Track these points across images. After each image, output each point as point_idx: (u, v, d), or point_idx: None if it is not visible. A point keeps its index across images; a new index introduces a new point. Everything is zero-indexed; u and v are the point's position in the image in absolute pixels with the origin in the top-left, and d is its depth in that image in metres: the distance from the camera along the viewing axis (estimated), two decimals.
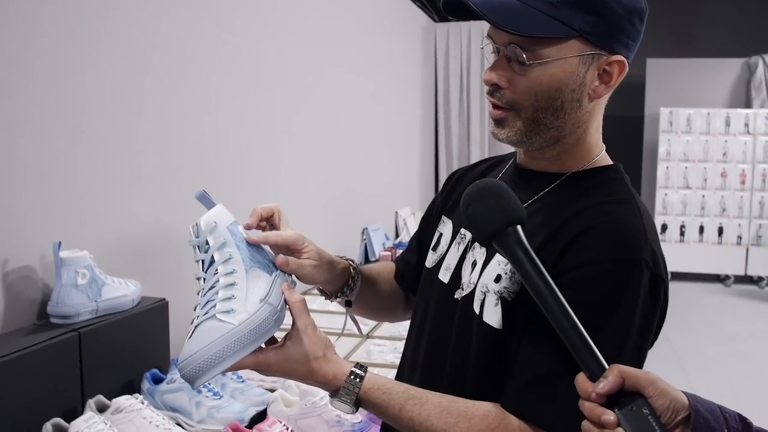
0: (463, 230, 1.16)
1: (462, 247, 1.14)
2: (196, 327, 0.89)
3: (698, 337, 5.54)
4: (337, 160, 3.60)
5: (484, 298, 1.03)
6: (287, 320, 0.97)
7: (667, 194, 7.38)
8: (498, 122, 1.05)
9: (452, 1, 0.99)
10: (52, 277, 1.59)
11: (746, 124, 7.28)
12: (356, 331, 1.33)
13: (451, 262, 1.15)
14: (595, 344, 0.83)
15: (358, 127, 3.99)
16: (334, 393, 0.97)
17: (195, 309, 0.93)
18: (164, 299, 1.77)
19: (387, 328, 2.56)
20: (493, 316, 1.01)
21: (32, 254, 1.58)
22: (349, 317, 1.28)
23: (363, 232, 4.06)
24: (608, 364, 0.80)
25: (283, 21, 2.88)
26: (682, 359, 5.00)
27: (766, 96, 7.69)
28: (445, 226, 1.22)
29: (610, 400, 0.77)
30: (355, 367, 0.98)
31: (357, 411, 0.98)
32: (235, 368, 0.92)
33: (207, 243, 0.95)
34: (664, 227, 7.43)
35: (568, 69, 0.98)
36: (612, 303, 0.93)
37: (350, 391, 0.96)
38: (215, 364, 0.86)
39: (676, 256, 7.26)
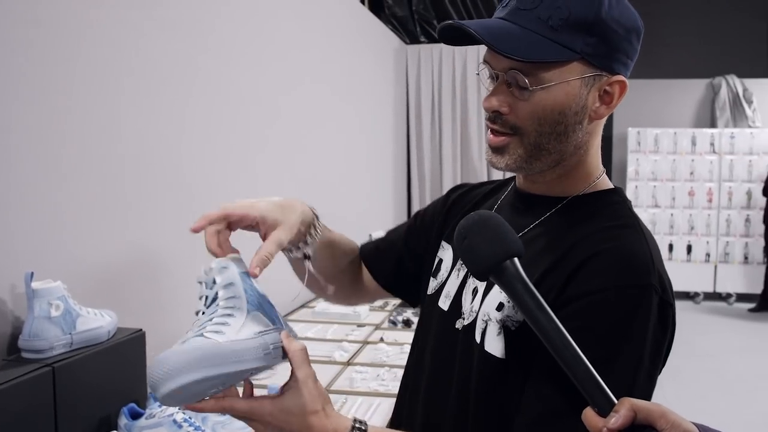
0: None
1: (462, 274, 1.11)
2: (179, 342, 0.85)
3: (672, 353, 5.55)
4: (311, 181, 3.55)
5: (485, 327, 0.99)
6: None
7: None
8: (497, 149, 1.01)
9: (449, 28, 0.96)
10: (22, 309, 1.51)
11: (712, 144, 7.42)
12: (320, 287, 1.26)
13: (450, 289, 1.11)
14: (607, 375, 0.79)
15: (332, 149, 3.95)
16: None
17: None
18: (141, 330, 1.70)
19: (368, 354, 2.50)
20: (495, 345, 0.97)
21: (1, 285, 1.51)
22: (309, 272, 1.18)
23: None
24: (621, 395, 0.76)
25: (256, 41, 2.84)
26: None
27: (729, 116, 7.85)
28: (446, 252, 1.18)
29: None
30: (355, 422, 0.92)
31: None
32: (224, 410, 0.87)
33: (215, 282, 0.92)
34: None
35: (570, 92, 0.96)
36: (622, 332, 0.90)
37: None
38: (185, 371, 0.80)
39: None
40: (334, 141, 3.97)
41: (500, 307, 0.98)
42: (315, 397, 0.89)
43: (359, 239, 3.85)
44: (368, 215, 4.84)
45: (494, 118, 0.99)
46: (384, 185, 5.33)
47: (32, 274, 1.46)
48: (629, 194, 7.41)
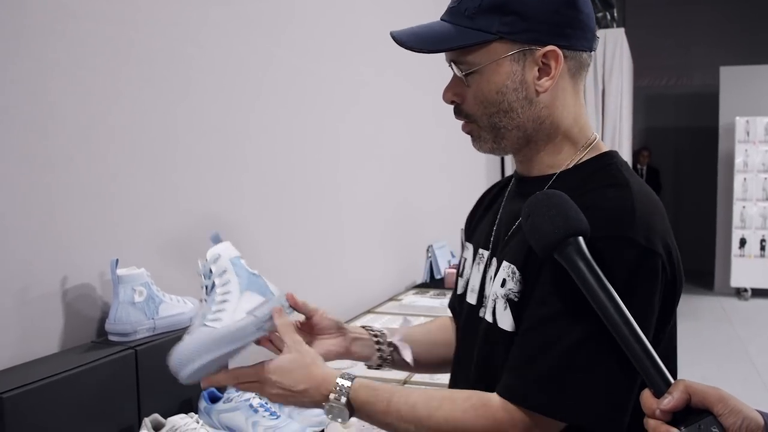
0: (481, 250, 1.17)
1: (482, 267, 1.15)
2: (188, 333, 1.02)
3: None
4: (399, 174, 3.56)
5: (494, 306, 1.04)
6: None
7: (745, 207, 7.08)
8: (471, 136, 1.12)
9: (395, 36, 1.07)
10: (111, 295, 1.59)
11: None
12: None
13: (474, 283, 1.16)
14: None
15: (422, 141, 3.95)
16: (325, 399, 1.01)
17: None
18: None
19: None
20: (505, 319, 1.02)
21: (91, 271, 1.59)
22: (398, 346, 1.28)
23: (428, 250, 4.00)
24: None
25: (338, 33, 2.87)
26: (767, 381, 4.74)
27: None
28: (468, 251, 1.24)
29: (676, 418, 0.72)
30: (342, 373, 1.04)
31: (350, 417, 1.01)
32: (236, 378, 1.04)
33: (211, 271, 1.08)
34: (743, 242, 7.11)
35: (502, 71, 1.02)
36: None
37: (341, 392, 1.01)
38: (194, 358, 0.98)
39: (756, 272, 6.96)
40: (423, 132, 3.97)
41: (503, 283, 1.03)
42: (306, 353, 1.05)
43: (452, 233, 3.79)
44: (460, 209, 4.80)
45: (455, 109, 1.11)
46: (477, 178, 5.28)
47: (117, 261, 1.53)
48: (737, 187, 7.05)
